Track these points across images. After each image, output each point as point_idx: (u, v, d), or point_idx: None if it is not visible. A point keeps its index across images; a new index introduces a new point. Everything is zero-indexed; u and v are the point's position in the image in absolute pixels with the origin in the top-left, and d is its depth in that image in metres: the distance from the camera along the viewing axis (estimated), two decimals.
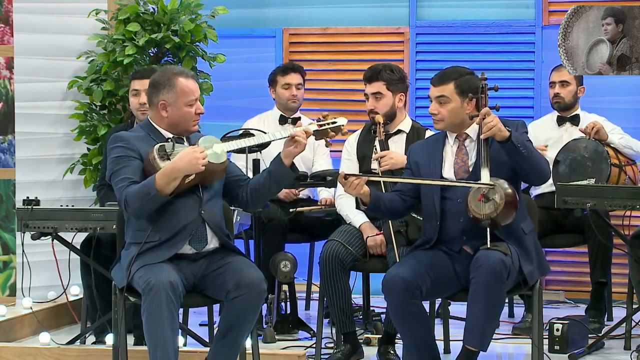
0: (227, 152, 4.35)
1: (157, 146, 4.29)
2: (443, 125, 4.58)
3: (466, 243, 4.48)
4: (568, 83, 6.18)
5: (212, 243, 4.39)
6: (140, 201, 4.21)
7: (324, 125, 4.44)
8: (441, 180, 4.49)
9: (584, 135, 5.89)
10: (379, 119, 5.23)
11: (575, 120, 6.19)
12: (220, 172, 4.37)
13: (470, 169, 4.52)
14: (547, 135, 6.19)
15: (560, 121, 6.23)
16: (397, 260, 4.78)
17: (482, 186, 4.35)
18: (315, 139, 4.48)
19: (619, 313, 5.93)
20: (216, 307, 5.34)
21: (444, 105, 4.54)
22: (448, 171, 4.57)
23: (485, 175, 4.38)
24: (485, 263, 4.26)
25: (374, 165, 5.20)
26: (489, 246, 4.31)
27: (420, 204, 4.64)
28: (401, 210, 4.66)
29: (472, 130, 4.57)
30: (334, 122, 4.43)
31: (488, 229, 4.33)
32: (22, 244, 5.38)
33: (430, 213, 4.55)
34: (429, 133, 5.28)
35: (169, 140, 4.36)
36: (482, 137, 4.38)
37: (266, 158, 6.05)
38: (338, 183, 5.42)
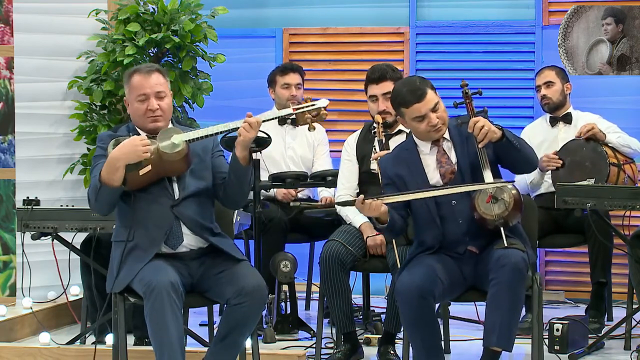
0: (186, 140, 4.20)
1: (113, 141, 4.25)
2: None
3: (470, 243, 4.46)
4: (552, 83, 6.19)
5: (189, 241, 4.31)
6: (94, 195, 4.22)
7: (300, 108, 4.29)
8: (459, 187, 4.38)
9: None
10: (379, 118, 5.22)
11: (567, 119, 6.19)
12: (179, 162, 4.23)
13: (456, 168, 4.49)
14: (541, 137, 6.19)
15: (553, 122, 6.22)
16: (397, 260, 4.77)
17: (488, 187, 4.33)
18: (297, 125, 4.36)
19: (619, 313, 5.92)
20: (216, 307, 5.34)
21: None
22: (434, 176, 4.50)
23: (488, 176, 4.37)
24: (508, 262, 4.24)
25: (374, 165, 5.18)
26: (506, 245, 4.30)
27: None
28: (404, 226, 4.57)
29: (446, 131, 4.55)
30: (313, 105, 4.27)
31: (502, 229, 4.32)
32: (22, 244, 5.38)
33: (428, 221, 4.48)
34: None
35: (130, 135, 4.30)
36: (480, 146, 4.35)
37: (266, 158, 6.08)
38: (338, 183, 5.43)
